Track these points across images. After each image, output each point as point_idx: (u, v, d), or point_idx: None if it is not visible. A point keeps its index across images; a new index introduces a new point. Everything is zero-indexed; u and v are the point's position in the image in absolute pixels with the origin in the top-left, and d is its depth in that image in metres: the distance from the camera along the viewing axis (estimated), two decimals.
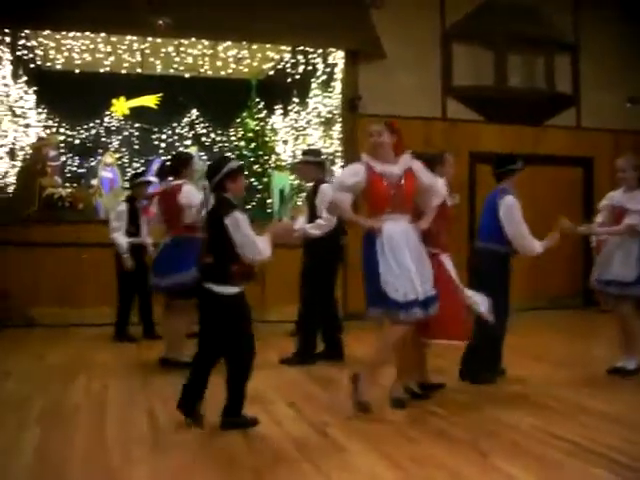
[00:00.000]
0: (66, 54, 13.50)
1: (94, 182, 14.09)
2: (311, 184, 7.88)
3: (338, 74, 12.37)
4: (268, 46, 13.45)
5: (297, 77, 13.63)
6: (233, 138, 15.22)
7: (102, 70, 14.29)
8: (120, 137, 15.39)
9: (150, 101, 15.49)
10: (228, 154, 14.20)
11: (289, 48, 13.39)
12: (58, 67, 14.07)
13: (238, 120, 14.92)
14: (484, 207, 6.85)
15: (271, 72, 14.83)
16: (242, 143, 14.47)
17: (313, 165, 7.78)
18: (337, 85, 12.41)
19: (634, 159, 7.16)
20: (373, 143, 5.62)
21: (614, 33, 13.27)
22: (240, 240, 5.03)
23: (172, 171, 7.60)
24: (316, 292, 7.75)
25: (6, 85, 12.33)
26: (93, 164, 15.00)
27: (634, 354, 7.00)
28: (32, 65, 13.37)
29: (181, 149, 15.22)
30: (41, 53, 13.46)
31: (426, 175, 5.67)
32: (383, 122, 5.75)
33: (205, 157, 14.78)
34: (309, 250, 7.77)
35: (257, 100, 14.65)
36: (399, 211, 5.48)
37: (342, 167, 11.99)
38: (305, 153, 8.25)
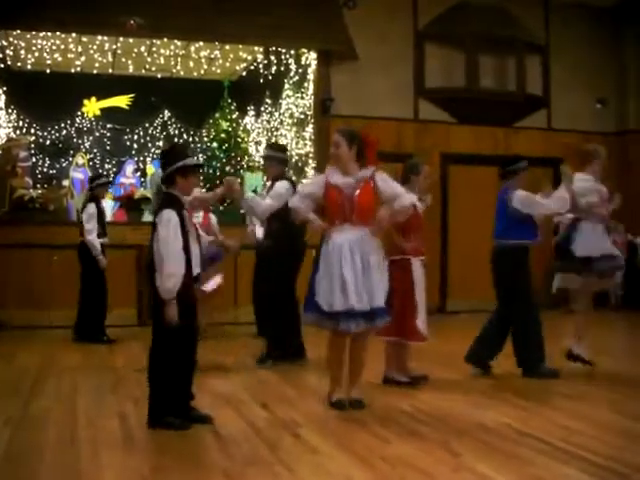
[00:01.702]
0: (37, 54, 13.42)
1: (65, 183, 14.02)
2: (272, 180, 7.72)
3: (311, 75, 12.38)
4: (240, 47, 13.46)
5: (270, 78, 13.63)
6: (206, 139, 15.19)
7: (73, 70, 14.22)
8: (91, 138, 15.32)
9: (122, 101, 15.44)
10: (200, 155, 14.20)
11: (262, 49, 13.40)
12: (28, 67, 13.98)
13: (211, 121, 14.90)
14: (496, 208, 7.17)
15: (244, 73, 14.84)
16: (214, 144, 14.45)
17: (275, 161, 7.65)
18: (310, 86, 12.42)
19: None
20: (332, 154, 5.66)
21: (583, 35, 13.41)
22: (156, 245, 4.89)
23: None
24: (275, 288, 7.68)
25: None
26: (64, 165, 14.91)
27: None
28: (2, 65, 13.27)
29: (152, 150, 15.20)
30: (11, 53, 13.35)
31: (390, 188, 5.59)
32: (340, 130, 5.73)
33: None
34: (265, 249, 7.71)
35: (229, 101, 14.65)
36: (350, 222, 5.49)
37: (314, 168, 12.02)
38: (268, 147, 8.16)
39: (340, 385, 5.75)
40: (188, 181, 5.02)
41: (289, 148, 13.13)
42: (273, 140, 13.96)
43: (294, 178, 12.94)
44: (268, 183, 8.03)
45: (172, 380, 5.03)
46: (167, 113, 15.73)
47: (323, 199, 5.61)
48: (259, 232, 8.13)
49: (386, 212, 5.55)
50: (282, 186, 7.34)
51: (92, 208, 9.19)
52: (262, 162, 8.01)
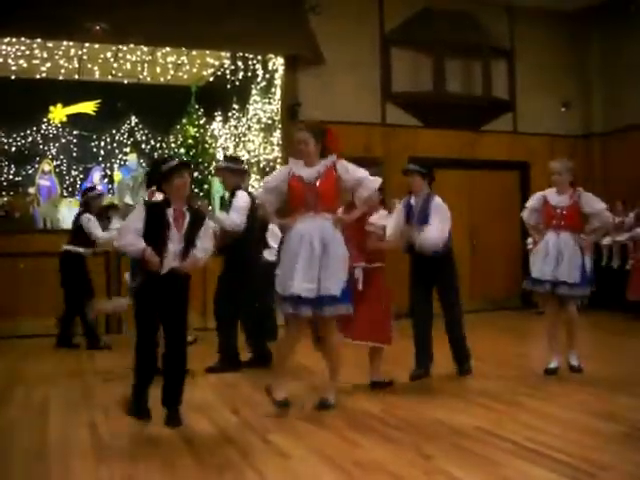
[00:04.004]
0: (1, 60, 13.26)
1: (31, 190, 13.88)
2: (229, 191, 7.78)
3: (278, 80, 12.38)
4: (207, 52, 13.42)
5: (237, 83, 13.61)
6: (173, 145, 15.12)
7: (38, 76, 14.09)
8: (58, 144, 15.18)
9: (88, 108, 15.32)
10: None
11: (229, 54, 13.36)
12: None
13: (178, 127, 14.84)
14: None
15: (211, 78, 14.80)
16: (182, 150, 14.39)
17: (231, 172, 7.67)
18: (277, 91, 12.42)
19: (568, 162, 7.32)
20: (300, 151, 5.76)
21: (548, 39, 13.55)
22: None
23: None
24: (227, 299, 7.71)
25: None
26: (30, 172, 14.78)
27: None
28: None
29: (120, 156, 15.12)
30: None
31: (352, 173, 5.70)
32: (306, 127, 5.87)
33: (144, 164, 14.66)
34: (226, 258, 7.76)
35: (197, 106, 14.61)
36: (313, 210, 5.59)
37: None
38: (225, 159, 8.23)
39: (282, 381, 5.77)
40: (170, 183, 5.19)
41: (257, 153, 13.13)
42: (241, 146, 13.95)
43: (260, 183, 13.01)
44: (227, 194, 8.06)
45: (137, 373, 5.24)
46: (134, 119, 15.63)
47: (287, 190, 5.70)
48: None
49: (353, 215, 5.77)
50: (241, 199, 7.42)
51: (89, 216, 9.16)
52: (217, 174, 8.11)
